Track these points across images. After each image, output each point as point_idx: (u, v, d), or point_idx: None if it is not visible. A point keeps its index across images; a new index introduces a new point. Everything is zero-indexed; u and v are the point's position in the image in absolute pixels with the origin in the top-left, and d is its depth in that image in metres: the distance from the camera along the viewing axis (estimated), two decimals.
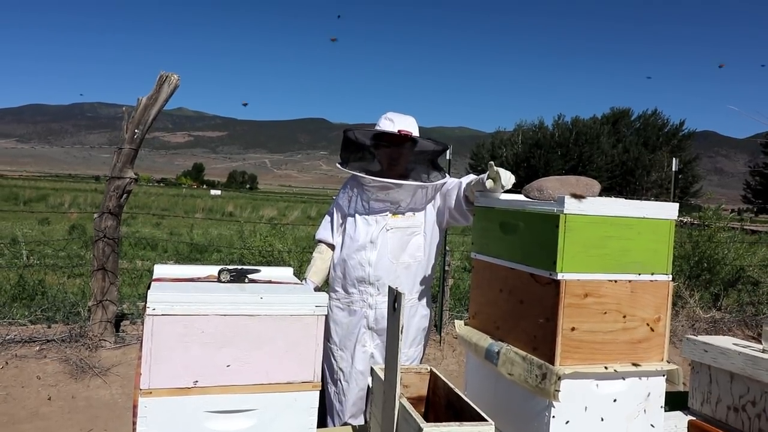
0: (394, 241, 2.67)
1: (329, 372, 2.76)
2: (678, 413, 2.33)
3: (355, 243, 2.69)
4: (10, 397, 3.55)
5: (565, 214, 1.73)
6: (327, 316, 2.73)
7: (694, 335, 2.41)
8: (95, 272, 4.03)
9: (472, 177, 2.52)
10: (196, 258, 10.43)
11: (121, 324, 4.48)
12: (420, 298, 2.75)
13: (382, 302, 2.65)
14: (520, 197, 2.12)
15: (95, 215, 4.08)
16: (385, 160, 2.67)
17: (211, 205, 32.31)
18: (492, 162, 2.17)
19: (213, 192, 69.29)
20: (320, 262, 2.83)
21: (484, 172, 2.27)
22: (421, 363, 2.80)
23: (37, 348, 3.96)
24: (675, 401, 2.43)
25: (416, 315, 2.75)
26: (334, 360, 2.74)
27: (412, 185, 2.63)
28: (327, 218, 2.90)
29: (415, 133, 2.65)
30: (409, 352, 2.78)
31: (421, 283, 2.74)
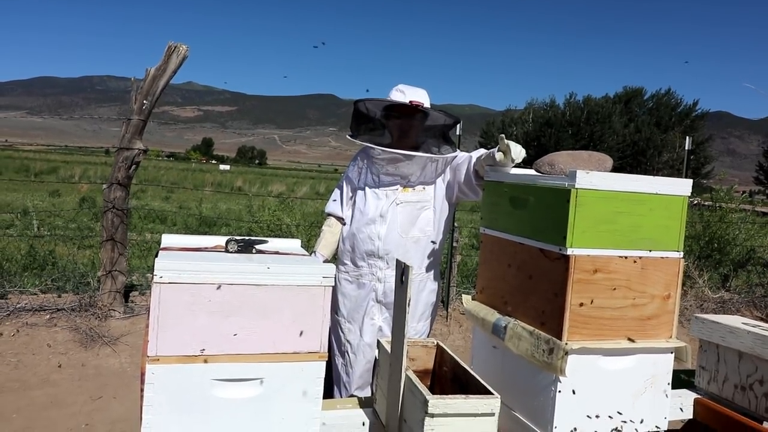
0: (403, 215, 2.65)
1: (337, 344, 2.78)
2: (684, 391, 2.34)
3: (365, 217, 2.67)
4: (21, 363, 3.60)
5: (577, 188, 1.70)
6: (335, 289, 2.74)
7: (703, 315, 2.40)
8: (104, 243, 4.06)
9: (482, 151, 2.49)
10: (205, 231, 10.48)
11: (130, 295, 4.51)
12: (428, 273, 2.75)
13: (391, 276, 2.65)
14: (531, 172, 2.09)
15: (104, 186, 4.09)
16: (395, 131, 2.63)
17: (220, 180, 32.37)
18: (503, 135, 2.14)
19: (222, 167, 69.39)
20: (329, 235, 2.82)
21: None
22: (428, 338, 2.81)
23: (48, 316, 4.01)
24: (682, 379, 2.43)
25: (425, 289, 2.75)
26: (342, 332, 2.75)
27: (422, 157, 2.61)
28: (336, 192, 2.88)
29: (427, 104, 2.61)
30: (418, 326, 2.78)
31: (430, 258, 2.73)
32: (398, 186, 2.67)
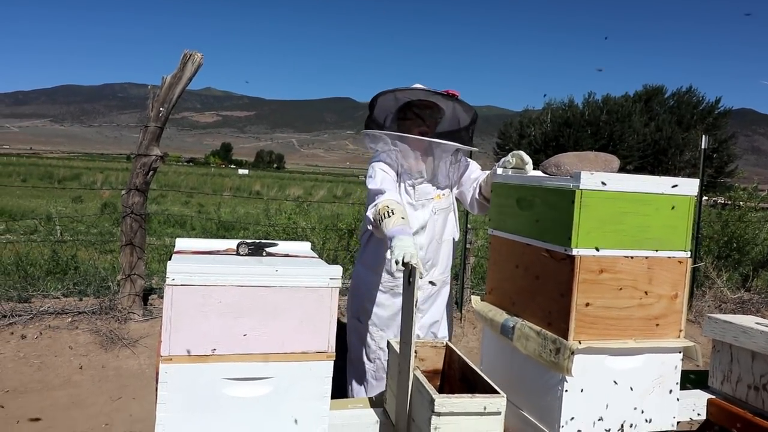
0: (439, 222, 2.65)
1: (366, 351, 2.72)
2: (698, 391, 2.32)
3: None
4: (44, 365, 3.69)
5: (581, 189, 1.72)
6: (364, 297, 2.70)
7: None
8: (123, 247, 4.14)
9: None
10: (223, 235, 10.58)
11: (149, 298, 4.59)
12: (449, 273, 2.80)
13: (430, 282, 2.68)
14: (538, 173, 2.11)
15: (123, 192, 4.17)
16: (430, 121, 2.54)
17: (238, 184, 32.66)
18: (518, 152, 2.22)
19: (241, 171, 69.96)
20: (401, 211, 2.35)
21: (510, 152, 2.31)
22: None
23: (69, 319, 4.10)
24: (695, 380, 2.42)
25: (446, 287, 2.79)
26: (373, 340, 2.70)
27: (456, 150, 2.53)
28: (385, 180, 2.50)
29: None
30: (444, 329, 2.81)
31: (452, 258, 2.79)
32: (432, 194, 2.62)
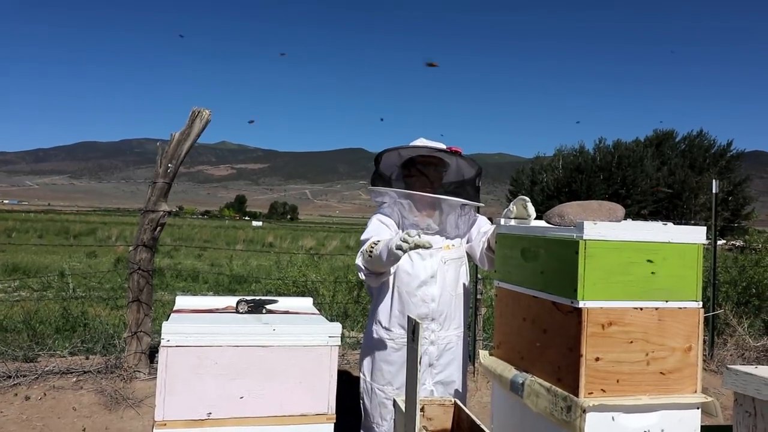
0: (450, 273, 2.60)
1: (382, 411, 2.60)
2: None
3: (416, 279, 2.55)
4: (46, 428, 3.62)
5: (585, 240, 1.68)
6: (376, 357, 2.60)
7: (743, 365, 2.29)
8: (130, 304, 4.11)
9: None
10: (235, 289, 10.54)
11: (156, 355, 4.53)
12: (464, 327, 2.72)
13: (444, 337, 2.59)
14: (542, 223, 2.08)
15: (130, 248, 4.18)
16: (434, 177, 2.58)
17: (252, 236, 32.82)
18: (525, 198, 2.18)
19: (255, 223, 70.52)
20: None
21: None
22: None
23: (74, 379, 4.04)
24: None
25: (462, 341, 2.70)
26: (389, 399, 2.56)
27: (463, 204, 2.55)
28: (380, 228, 2.59)
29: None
30: (460, 380, 2.72)
31: (466, 311, 2.73)
32: (440, 243, 2.59)
